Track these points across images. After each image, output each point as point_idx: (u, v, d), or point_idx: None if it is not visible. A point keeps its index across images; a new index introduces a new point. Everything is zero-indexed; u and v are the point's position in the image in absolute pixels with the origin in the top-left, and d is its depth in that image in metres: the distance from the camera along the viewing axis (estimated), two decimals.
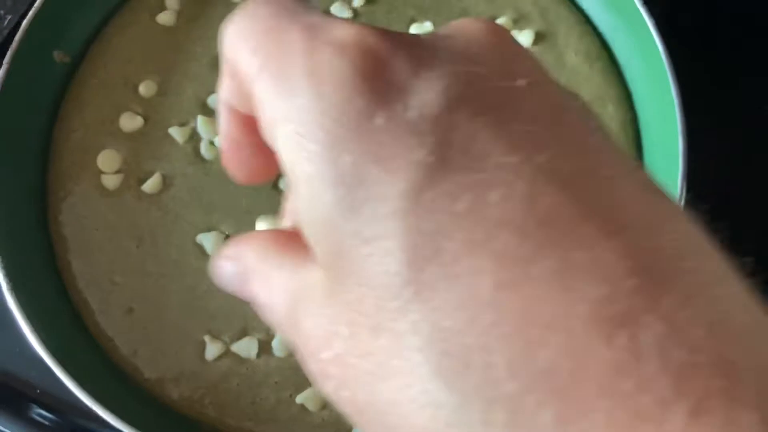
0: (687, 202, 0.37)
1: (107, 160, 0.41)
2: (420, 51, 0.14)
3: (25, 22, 0.40)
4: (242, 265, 0.17)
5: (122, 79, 0.43)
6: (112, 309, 0.38)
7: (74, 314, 0.39)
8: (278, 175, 0.38)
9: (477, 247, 0.12)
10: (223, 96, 0.18)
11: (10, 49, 0.40)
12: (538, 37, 0.43)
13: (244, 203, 0.40)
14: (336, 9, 0.44)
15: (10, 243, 0.37)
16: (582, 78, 0.42)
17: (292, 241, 0.16)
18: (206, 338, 0.37)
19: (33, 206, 0.40)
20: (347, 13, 0.44)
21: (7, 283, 0.36)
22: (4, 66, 0.39)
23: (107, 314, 0.38)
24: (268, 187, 0.40)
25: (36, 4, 0.41)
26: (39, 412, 0.42)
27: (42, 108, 0.42)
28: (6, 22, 0.53)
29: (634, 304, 0.12)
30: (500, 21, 0.43)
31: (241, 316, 0.38)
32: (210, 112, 0.42)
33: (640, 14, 0.40)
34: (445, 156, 0.13)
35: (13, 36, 0.51)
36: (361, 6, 0.44)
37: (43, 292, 0.38)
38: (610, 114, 0.42)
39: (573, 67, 0.43)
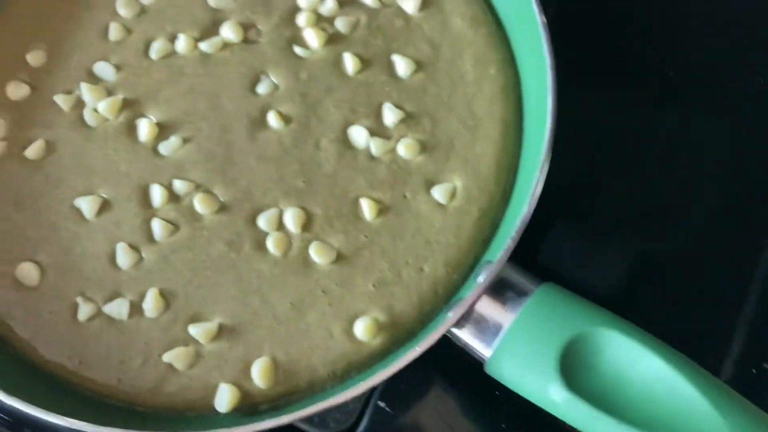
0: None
1: None
2: None
3: None
4: None
5: (11, 49, 0.43)
6: None
7: None
8: (158, 140, 0.39)
9: None
10: None
11: None
12: (425, 3, 0.43)
13: (123, 167, 0.40)
14: None
15: None
16: (466, 42, 0.43)
17: None
18: (79, 299, 0.38)
19: None
20: None
21: None
22: None
23: None
24: (147, 151, 0.40)
25: None
26: None
27: None
28: None
29: None
30: None
31: (113, 278, 0.38)
32: (95, 80, 0.42)
33: None
34: None
35: None
36: None
37: None
38: (492, 76, 0.42)
39: (458, 32, 0.43)
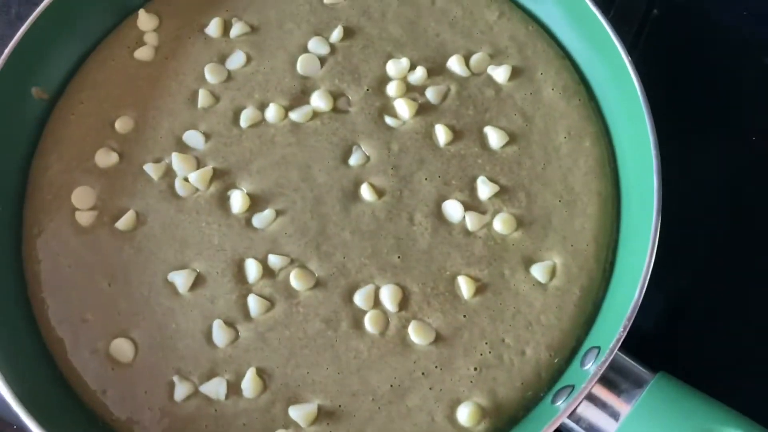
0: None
1: (82, 197, 0.41)
2: None
3: (2, 58, 0.40)
4: None
5: (99, 115, 0.43)
6: (82, 347, 0.38)
7: (45, 352, 0.38)
8: (250, 212, 0.38)
9: None
10: None
11: None
12: (515, 72, 0.43)
13: (216, 240, 0.40)
14: (313, 44, 0.44)
15: None
16: (559, 114, 0.42)
17: None
18: (175, 378, 0.37)
19: (8, 243, 0.40)
20: (325, 49, 0.44)
21: None
22: None
23: (77, 352, 0.38)
24: (241, 224, 0.40)
25: (14, 40, 0.41)
26: None
27: (19, 144, 0.42)
28: None
29: None
30: (477, 56, 0.43)
31: (209, 356, 0.37)
32: (185, 149, 0.42)
33: (617, 48, 0.40)
34: None
35: None
36: (339, 42, 0.44)
37: (16, 330, 0.38)
38: (587, 149, 0.41)
39: (550, 103, 0.42)
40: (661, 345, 0.42)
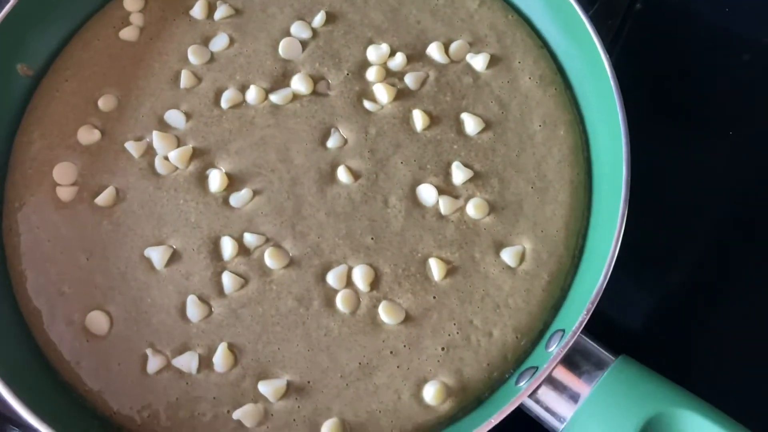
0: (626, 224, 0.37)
1: (63, 173, 0.41)
2: None
3: None
4: None
5: (83, 93, 0.43)
6: (58, 319, 0.39)
7: (22, 323, 0.39)
8: (228, 191, 0.39)
9: None
10: None
11: None
12: (494, 60, 0.44)
13: (193, 218, 0.40)
14: (296, 29, 0.44)
15: None
16: (535, 102, 0.43)
17: None
18: (148, 351, 0.38)
19: None
20: (307, 33, 0.44)
21: None
22: None
23: (53, 324, 0.39)
24: (218, 202, 0.41)
25: (0, 16, 0.42)
26: None
27: (3, 120, 0.43)
28: None
29: None
30: (456, 43, 0.44)
31: (183, 330, 0.38)
32: (166, 128, 0.42)
33: (593, 41, 0.40)
34: None
35: None
36: (321, 26, 0.45)
37: None
38: (561, 137, 0.42)
39: (527, 91, 0.43)
40: (628, 331, 0.43)
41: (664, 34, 0.54)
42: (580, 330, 0.35)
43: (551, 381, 0.35)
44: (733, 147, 0.50)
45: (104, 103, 0.43)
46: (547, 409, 0.35)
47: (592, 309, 0.35)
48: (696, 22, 0.54)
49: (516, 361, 0.38)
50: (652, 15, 0.54)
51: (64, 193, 0.41)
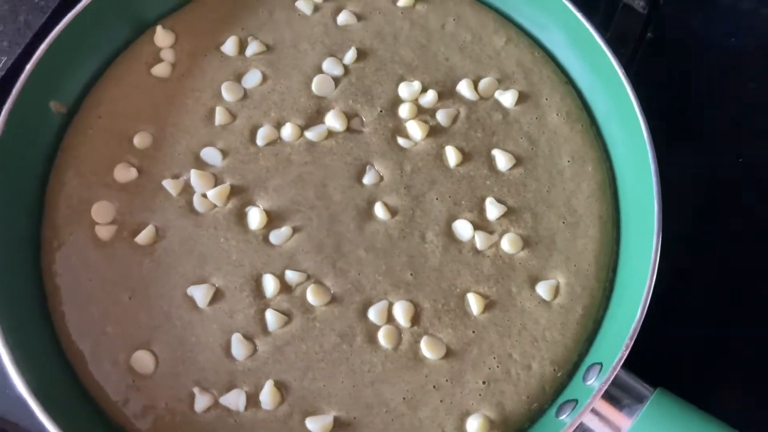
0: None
1: (101, 211, 0.42)
2: None
3: (24, 73, 0.41)
4: None
5: (117, 131, 0.44)
6: (103, 359, 0.39)
7: (66, 364, 0.39)
8: (267, 229, 0.40)
9: None
10: None
11: (9, 99, 0.41)
12: (522, 97, 0.45)
13: (234, 256, 0.41)
14: (327, 65, 0.45)
15: (5, 291, 0.38)
16: (563, 138, 0.44)
17: None
18: (195, 390, 0.38)
19: (28, 256, 0.41)
20: (339, 70, 0.45)
21: (2, 339, 0.36)
22: (3, 115, 0.40)
23: (98, 364, 0.39)
24: (258, 240, 0.41)
25: (36, 55, 0.42)
26: None
27: (38, 158, 0.43)
28: (1, 64, 0.54)
29: None
30: (485, 80, 0.45)
31: (229, 368, 0.39)
32: (202, 165, 0.43)
33: (619, 76, 0.42)
34: None
35: (9, 79, 0.52)
36: (352, 63, 0.45)
37: (36, 342, 0.39)
38: (589, 173, 0.43)
39: (555, 128, 0.44)
40: (656, 361, 0.44)
41: (676, 62, 0.56)
42: (621, 363, 0.36)
43: (594, 413, 0.37)
44: (745, 168, 0.52)
45: (139, 140, 0.43)
46: None
47: (631, 344, 0.36)
48: (705, 51, 0.56)
49: (554, 392, 0.39)
50: (663, 44, 0.56)
51: (104, 232, 0.41)
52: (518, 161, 0.43)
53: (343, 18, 0.46)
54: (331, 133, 0.44)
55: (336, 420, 0.38)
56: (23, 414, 0.43)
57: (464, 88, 0.45)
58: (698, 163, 0.52)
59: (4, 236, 0.40)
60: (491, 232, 0.42)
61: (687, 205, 0.48)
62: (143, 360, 0.39)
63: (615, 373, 0.36)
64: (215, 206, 0.42)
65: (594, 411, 0.36)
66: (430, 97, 0.45)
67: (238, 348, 0.39)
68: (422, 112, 0.45)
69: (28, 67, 0.41)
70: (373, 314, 0.40)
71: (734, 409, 0.37)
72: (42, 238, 0.42)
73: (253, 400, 0.38)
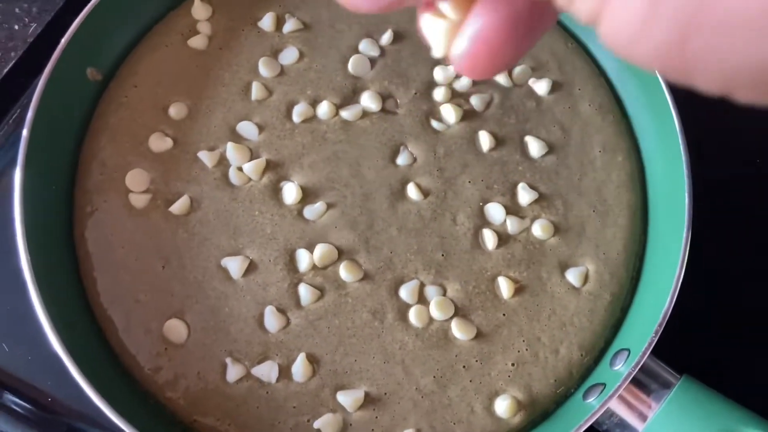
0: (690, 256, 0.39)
1: (135, 179, 0.42)
2: None
3: (64, 39, 0.41)
4: None
5: (152, 100, 0.44)
6: (134, 327, 0.39)
7: (98, 329, 0.40)
8: (302, 204, 0.40)
9: None
10: None
11: (48, 65, 0.41)
12: (555, 86, 0.46)
13: (269, 230, 0.41)
14: (364, 46, 0.45)
15: (39, 255, 0.38)
16: (594, 129, 0.45)
17: None
18: (228, 360, 0.39)
19: (60, 221, 0.41)
20: (375, 51, 0.45)
21: (37, 296, 0.36)
22: (42, 80, 0.40)
23: (130, 332, 0.39)
24: (293, 215, 0.41)
25: (75, 22, 0.42)
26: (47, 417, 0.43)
27: (72, 124, 0.43)
28: (31, 30, 0.53)
29: None
30: (519, 68, 0.46)
31: (261, 340, 0.39)
32: (239, 139, 0.43)
33: (654, 72, 0.42)
34: None
35: (38, 45, 0.52)
36: (388, 45, 0.46)
37: (69, 307, 0.39)
38: (620, 164, 0.44)
39: (587, 118, 0.45)
40: (682, 348, 0.45)
41: None
42: (650, 350, 0.37)
43: (620, 399, 0.37)
44: None
45: (175, 111, 0.43)
46: (618, 426, 0.37)
47: (660, 331, 0.37)
48: None
49: (580, 377, 0.40)
50: None
51: (138, 200, 0.41)
52: (550, 149, 0.44)
53: None
54: (365, 113, 0.44)
55: (366, 395, 0.38)
56: (54, 380, 0.44)
57: (499, 74, 0.45)
58: (732, 158, 0.52)
59: (38, 201, 0.40)
60: (523, 217, 0.42)
61: (719, 196, 0.49)
62: (176, 329, 0.39)
63: (644, 360, 0.37)
64: (250, 180, 0.42)
65: (620, 396, 0.37)
66: (464, 82, 0.45)
67: (272, 320, 0.39)
68: (456, 96, 0.45)
69: (68, 33, 0.41)
70: (405, 293, 0.40)
71: (761, 396, 0.38)
72: (75, 204, 0.42)
73: (285, 372, 0.39)
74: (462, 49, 0.18)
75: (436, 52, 0.20)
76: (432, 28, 0.19)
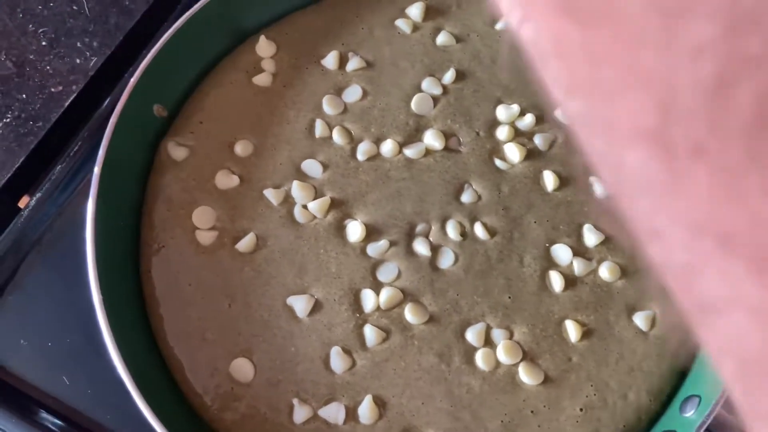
0: None
1: (202, 217, 0.42)
2: None
3: (135, 76, 0.42)
4: None
5: (218, 137, 0.44)
6: (201, 366, 0.39)
7: (164, 367, 0.40)
8: (366, 242, 0.40)
9: None
10: None
11: (119, 102, 0.41)
12: None
13: (334, 268, 0.41)
14: (426, 84, 0.46)
15: (108, 290, 0.38)
16: None
17: None
18: (294, 401, 0.38)
19: (127, 258, 0.41)
20: (438, 90, 0.45)
21: (107, 329, 0.37)
22: (113, 117, 0.41)
23: (197, 370, 0.39)
24: (356, 252, 0.41)
25: (146, 59, 0.42)
26: None
27: (140, 160, 0.43)
28: (92, 63, 0.54)
29: None
30: None
31: (328, 381, 0.39)
32: (304, 177, 0.43)
33: None
34: None
35: (99, 79, 0.53)
36: (451, 83, 0.46)
37: (135, 343, 0.39)
38: None
39: None
40: None
41: None
42: (724, 399, 0.36)
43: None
44: None
45: (241, 148, 0.44)
46: None
47: None
48: None
49: (649, 423, 0.39)
50: None
51: (204, 238, 0.42)
52: None
53: (441, 38, 0.47)
54: (429, 151, 0.44)
55: None
56: (114, 414, 0.44)
57: (562, 114, 0.45)
58: None
59: (108, 236, 0.40)
60: (589, 259, 0.42)
61: None
62: (243, 368, 0.39)
63: (718, 408, 0.36)
64: (315, 218, 0.42)
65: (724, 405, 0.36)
66: (527, 121, 0.45)
67: (337, 361, 0.39)
68: (519, 135, 0.45)
69: (138, 70, 0.42)
70: (471, 336, 0.40)
71: None
72: (141, 240, 0.42)
73: (351, 414, 0.38)
74: None
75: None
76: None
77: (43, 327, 0.45)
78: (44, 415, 0.45)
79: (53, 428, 0.45)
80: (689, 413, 0.38)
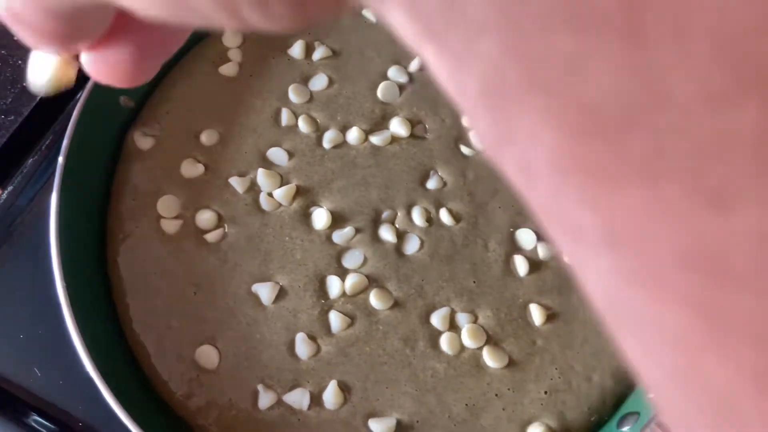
0: None
1: (168, 205, 0.42)
2: None
3: None
4: None
5: (184, 127, 0.44)
6: (167, 353, 0.39)
7: (130, 355, 0.40)
8: (331, 229, 0.40)
9: None
10: None
11: (83, 93, 0.41)
12: None
13: (299, 255, 0.41)
14: (392, 73, 0.46)
15: (74, 280, 0.38)
16: None
17: None
18: (259, 387, 0.38)
19: (93, 247, 0.42)
20: (404, 78, 0.46)
21: (72, 321, 0.37)
22: (77, 108, 0.41)
23: (163, 357, 0.39)
24: (322, 240, 0.42)
25: None
26: None
27: (106, 150, 0.44)
28: None
29: None
30: None
31: (293, 367, 0.39)
32: (269, 165, 0.43)
33: None
34: None
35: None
36: (417, 71, 0.46)
37: (102, 332, 0.39)
38: None
39: None
40: None
41: None
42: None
43: (657, 426, 0.37)
44: None
45: (207, 137, 0.44)
46: None
47: None
48: None
49: (614, 405, 0.40)
50: None
51: (169, 226, 0.42)
52: None
53: None
54: (395, 139, 0.44)
55: (398, 423, 0.38)
56: (85, 405, 0.44)
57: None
58: None
59: (73, 227, 0.40)
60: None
61: None
62: (208, 355, 0.39)
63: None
64: (281, 205, 0.42)
65: (658, 424, 0.37)
66: None
67: (303, 347, 0.39)
68: None
69: None
70: (436, 320, 0.40)
71: None
72: (107, 229, 0.42)
73: (316, 399, 0.38)
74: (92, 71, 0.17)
75: (41, 88, 0.19)
76: (42, 64, 0.18)
77: (14, 320, 0.45)
78: (16, 407, 0.45)
79: (26, 420, 0.45)
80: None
